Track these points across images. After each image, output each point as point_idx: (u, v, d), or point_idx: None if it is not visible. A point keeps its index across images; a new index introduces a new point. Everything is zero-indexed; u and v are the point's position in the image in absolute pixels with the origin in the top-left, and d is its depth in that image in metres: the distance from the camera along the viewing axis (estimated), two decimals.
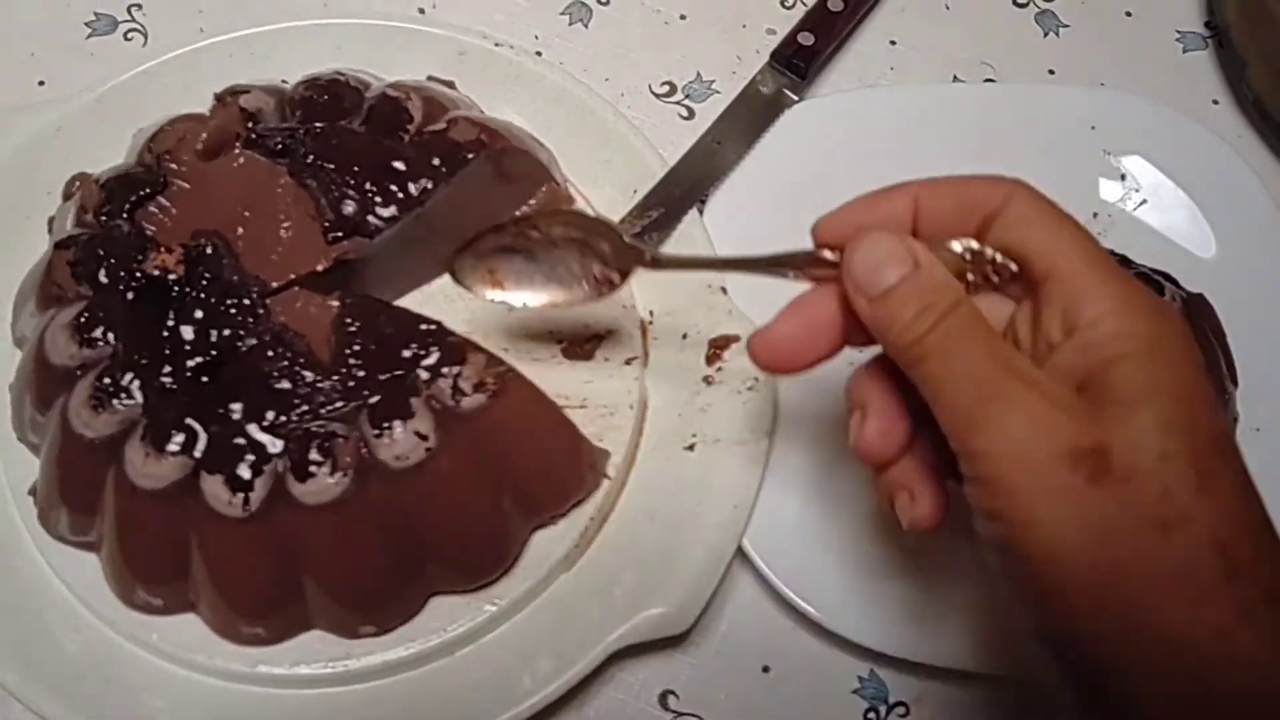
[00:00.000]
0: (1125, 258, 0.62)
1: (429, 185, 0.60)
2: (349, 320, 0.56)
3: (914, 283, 0.41)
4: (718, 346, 0.61)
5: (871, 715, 0.58)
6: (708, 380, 0.61)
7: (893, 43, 0.77)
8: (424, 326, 0.56)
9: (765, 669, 0.59)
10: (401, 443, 0.52)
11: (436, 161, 0.60)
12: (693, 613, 0.55)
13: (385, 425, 0.52)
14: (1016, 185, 0.42)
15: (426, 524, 0.54)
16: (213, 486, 0.52)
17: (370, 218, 0.59)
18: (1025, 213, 0.42)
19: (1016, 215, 0.42)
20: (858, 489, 0.62)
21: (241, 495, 0.51)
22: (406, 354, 0.55)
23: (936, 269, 0.42)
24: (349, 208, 0.59)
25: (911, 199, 0.44)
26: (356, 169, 0.59)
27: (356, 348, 0.55)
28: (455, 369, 0.54)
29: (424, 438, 0.53)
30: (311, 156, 0.59)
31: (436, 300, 0.63)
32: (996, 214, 0.42)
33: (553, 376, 0.61)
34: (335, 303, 0.57)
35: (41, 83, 0.72)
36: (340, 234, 0.59)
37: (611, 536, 0.59)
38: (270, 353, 0.55)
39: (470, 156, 0.61)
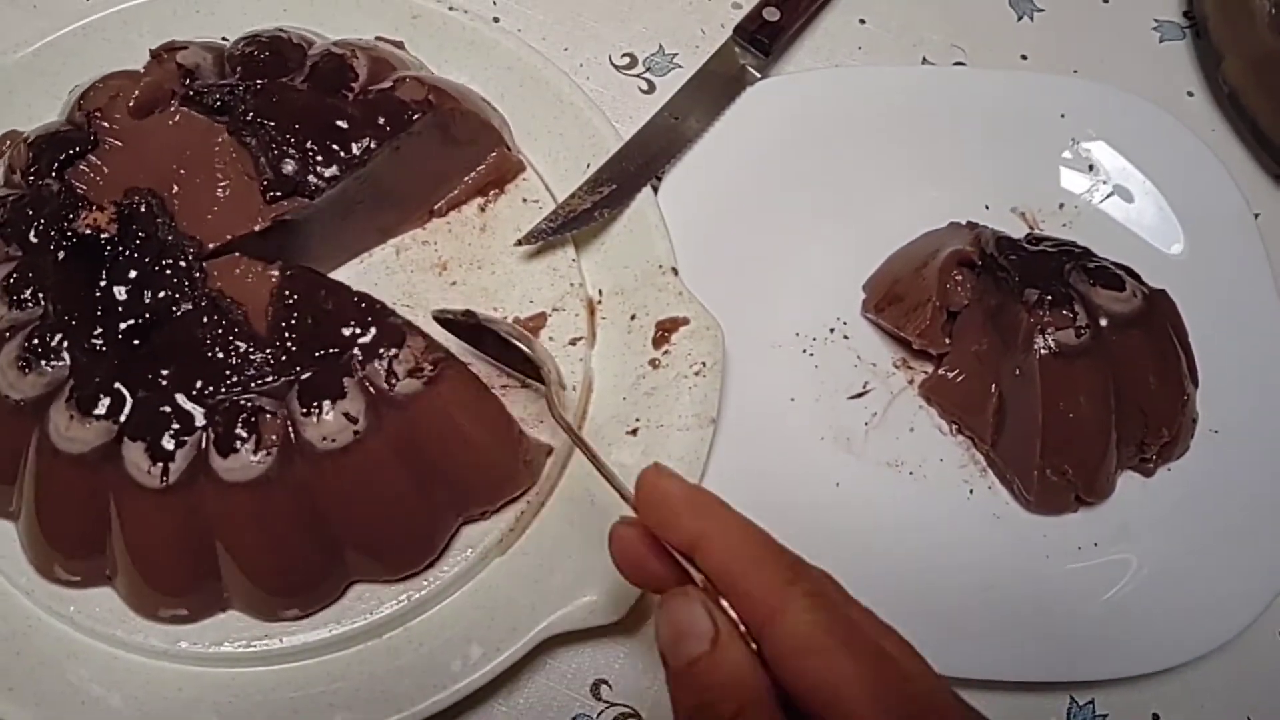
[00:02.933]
0: (1088, 250, 0.61)
1: (372, 144, 0.58)
2: (288, 292, 0.54)
3: (706, 667, 0.38)
4: (665, 329, 0.60)
5: None
6: (654, 363, 0.59)
7: (862, 21, 0.75)
8: (364, 304, 0.54)
9: None
10: (329, 423, 0.50)
11: (381, 120, 0.58)
12: (627, 601, 0.54)
13: (314, 404, 0.50)
14: (793, 598, 0.37)
15: (348, 510, 0.52)
16: (133, 454, 0.50)
17: (311, 177, 0.57)
18: (799, 634, 0.37)
19: (788, 635, 0.37)
20: (804, 479, 0.60)
21: (161, 465, 0.50)
22: (344, 332, 0.53)
23: (732, 652, 0.38)
24: (289, 166, 0.57)
25: (699, 533, 0.40)
26: (297, 127, 0.57)
27: (293, 321, 0.53)
28: (391, 351, 0.52)
29: (353, 420, 0.51)
30: (251, 114, 0.57)
31: (377, 270, 0.62)
32: (766, 622, 0.37)
33: None
34: (275, 273, 0.55)
35: None
36: (279, 193, 0.57)
37: (549, 521, 0.57)
38: (205, 319, 0.53)
39: (416, 116, 0.59)
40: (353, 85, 0.60)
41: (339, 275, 0.61)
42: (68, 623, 0.54)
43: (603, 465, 0.46)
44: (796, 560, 0.40)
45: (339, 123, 0.58)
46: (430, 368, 0.52)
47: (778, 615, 0.37)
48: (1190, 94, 0.74)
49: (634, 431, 0.58)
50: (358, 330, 0.53)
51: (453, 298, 0.61)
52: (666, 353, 0.59)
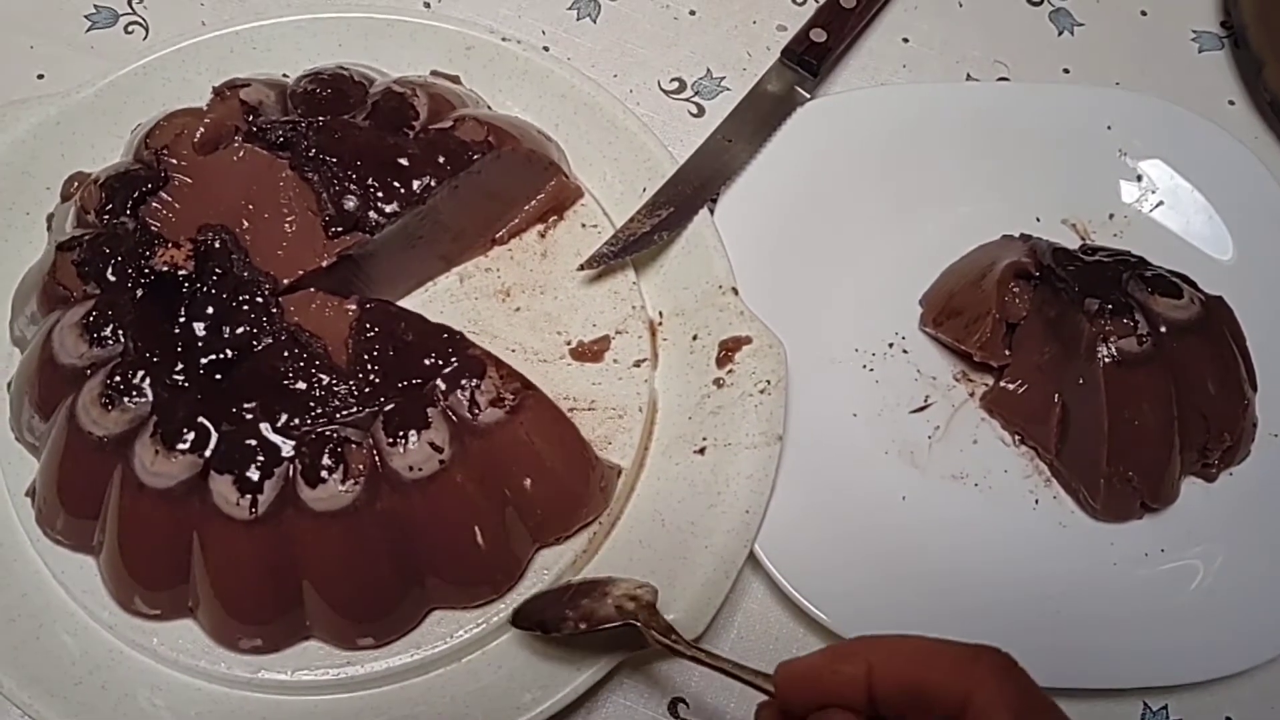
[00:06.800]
0: (1143, 259, 0.62)
1: (432, 183, 0.59)
2: (368, 324, 0.55)
3: None
4: (728, 349, 0.60)
5: None
6: (718, 383, 0.60)
7: (905, 40, 0.76)
8: (444, 335, 0.54)
9: None
10: (415, 453, 0.51)
11: (441, 159, 0.59)
12: (703, 619, 0.54)
13: (400, 434, 0.51)
14: (978, 680, 0.39)
15: (433, 540, 0.53)
16: (221, 487, 0.51)
17: (371, 213, 0.58)
18: (1000, 701, 0.38)
19: (989, 704, 0.38)
20: (871, 494, 0.61)
21: (250, 497, 0.50)
22: (426, 363, 0.53)
23: None
24: (350, 203, 0.58)
25: (866, 667, 0.41)
26: (359, 164, 0.58)
27: (375, 353, 0.54)
28: (474, 381, 0.53)
29: (438, 449, 0.51)
30: (314, 150, 0.58)
31: (441, 299, 0.62)
32: (965, 702, 0.38)
33: (561, 378, 0.60)
34: (353, 306, 0.56)
35: (41, 76, 0.71)
36: (340, 229, 0.58)
37: (621, 541, 0.58)
38: (285, 353, 0.54)
39: (475, 157, 0.60)
40: (413, 124, 0.61)
41: (404, 304, 0.61)
42: (150, 655, 0.55)
43: (736, 667, 0.47)
44: (966, 644, 0.40)
45: (400, 160, 0.59)
46: (511, 397, 0.53)
47: (974, 692, 0.38)
48: (1231, 102, 0.75)
49: (701, 450, 0.59)
50: (439, 361, 0.53)
51: (517, 323, 0.62)
52: (731, 371, 0.60)
